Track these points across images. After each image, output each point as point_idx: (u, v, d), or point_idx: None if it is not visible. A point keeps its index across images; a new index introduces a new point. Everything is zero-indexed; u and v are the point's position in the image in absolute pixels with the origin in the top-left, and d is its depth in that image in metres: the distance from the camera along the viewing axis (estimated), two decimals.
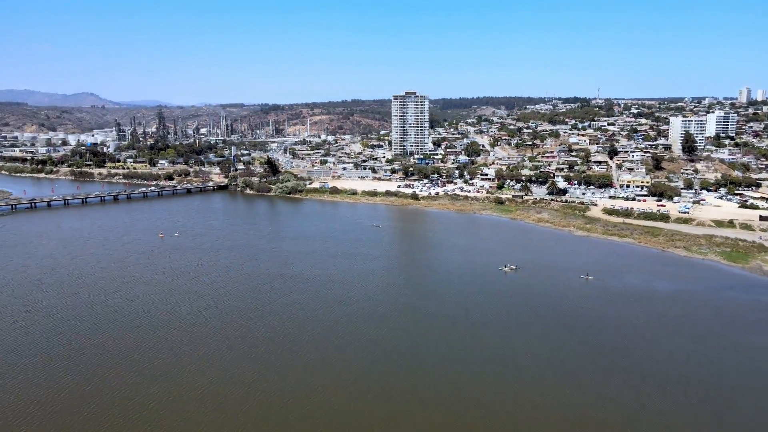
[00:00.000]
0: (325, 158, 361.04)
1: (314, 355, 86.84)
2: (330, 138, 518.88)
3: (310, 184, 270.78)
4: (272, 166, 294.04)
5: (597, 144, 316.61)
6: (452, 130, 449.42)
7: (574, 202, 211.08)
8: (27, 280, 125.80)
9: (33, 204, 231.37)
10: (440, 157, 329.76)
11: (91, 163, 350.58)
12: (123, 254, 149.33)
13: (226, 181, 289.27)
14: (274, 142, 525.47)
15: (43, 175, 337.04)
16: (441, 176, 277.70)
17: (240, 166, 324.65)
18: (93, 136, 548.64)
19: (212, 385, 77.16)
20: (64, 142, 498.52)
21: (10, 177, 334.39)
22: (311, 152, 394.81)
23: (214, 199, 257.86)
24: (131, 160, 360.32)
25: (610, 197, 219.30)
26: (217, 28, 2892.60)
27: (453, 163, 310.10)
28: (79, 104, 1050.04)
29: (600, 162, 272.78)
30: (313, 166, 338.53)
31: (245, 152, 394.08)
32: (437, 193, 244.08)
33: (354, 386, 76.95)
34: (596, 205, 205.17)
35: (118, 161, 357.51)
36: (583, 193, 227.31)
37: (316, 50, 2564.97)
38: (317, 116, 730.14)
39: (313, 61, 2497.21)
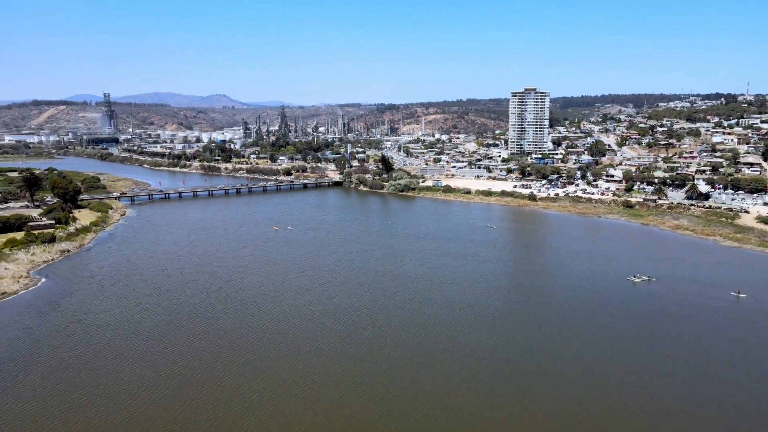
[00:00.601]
0: (439, 157, 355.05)
1: (420, 359, 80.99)
2: (444, 137, 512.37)
3: (423, 182, 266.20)
4: (386, 164, 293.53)
5: (747, 144, 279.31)
6: (574, 128, 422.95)
7: (719, 208, 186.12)
8: (154, 264, 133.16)
9: (166, 195, 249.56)
10: (560, 156, 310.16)
11: (219, 158, 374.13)
12: (239, 244, 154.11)
13: (340, 177, 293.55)
14: (388, 140, 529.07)
15: (177, 168, 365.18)
16: (561, 177, 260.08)
17: (355, 163, 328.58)
18: (223, 134, 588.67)
19: (314, 384, 74.09)
20: (198, 140, 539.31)
21: (151, 170, 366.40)
22: (425, 151, 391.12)
23: (329, 195, 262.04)
24: (254, 156, 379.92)
25: (765, 204, 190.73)
26: (338, 33, 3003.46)
27: (574, 163, 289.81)
28: (213, 105, 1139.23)
29: (752, 164, 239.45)
30: (427, 164, 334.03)
31: (360, 150, 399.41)
32: (557, 195, 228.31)
33: (460, 396, 70.01)
34: (748, 212, 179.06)
35: (243, 157, 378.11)
36: (732, 199, 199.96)
37: (432, 50, 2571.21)
38: (432, 115, 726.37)
39: (429, 60, 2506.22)
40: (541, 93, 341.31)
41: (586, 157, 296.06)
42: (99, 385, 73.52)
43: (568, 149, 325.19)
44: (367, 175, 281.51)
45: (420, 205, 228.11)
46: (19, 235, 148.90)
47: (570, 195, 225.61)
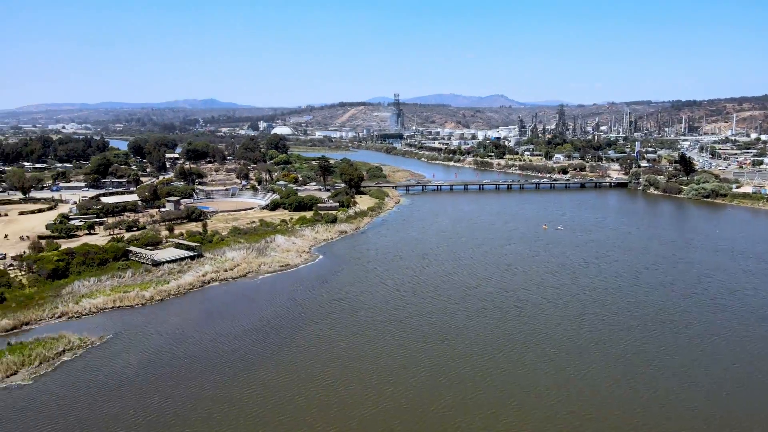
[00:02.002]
0: (760, 159, 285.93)
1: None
2: (764, 136, 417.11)
3: (737, 187, 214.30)
4: (685, 165, 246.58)
5: None
6: None
7: None
8: (417, 252, 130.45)
9: (438, 187, 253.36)
10: None
11: (492, 154, 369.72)
12: (503, 240, 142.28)
13: (625, 178, 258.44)
14: (686, 140, 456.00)
15: (451, 163, 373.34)
16: None
17: (644, 163, 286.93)
18: (498, 131, 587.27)
19: (578, 418, 57.20)
20: (473, 137, 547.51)
21: (427, 163, 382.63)
22: (737, 152, 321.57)
23: (609, 196, 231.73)
24: (528, 153, 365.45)
25: None
26: (620, 28, 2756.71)
27: None
28: (491, 105, 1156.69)
29: None
30: (741, 167, 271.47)
31: (650, 150, 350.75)
32: None
33: None
34: None
35: (516, 154, 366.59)
36: None
37: (749, 38, 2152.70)
38: (746, 112, 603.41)
39: (743, 50, 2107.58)
40: None
41: None
42: (342, 370, 69.64)
43: None
44: (659, 177, 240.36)
45: (732, 216, 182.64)
46: (308, 214, 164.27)
47: None
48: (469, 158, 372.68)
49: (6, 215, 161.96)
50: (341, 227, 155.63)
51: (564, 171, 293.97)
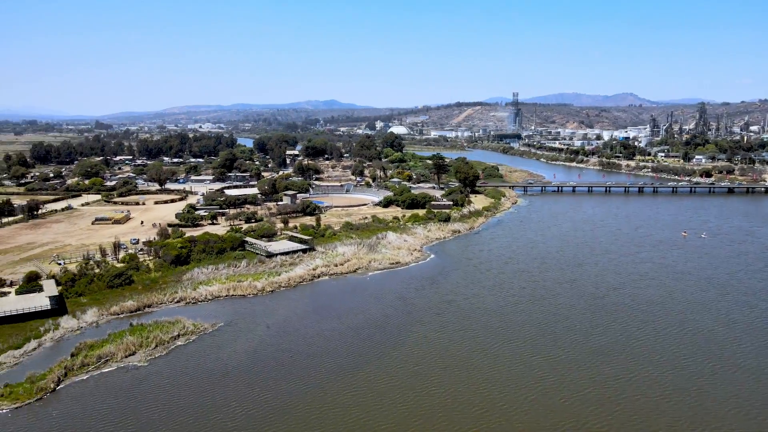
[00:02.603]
0: None
1: None
2: None
3: None
4: None
5: None
6: None
7: None
8: (534, 256, 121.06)
9: (559, 188, 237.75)
10: None
11: (620, 155, 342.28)
12: (635, 248, 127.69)
13: None
14: None
15: (573, 164, 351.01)
16: None
17: None
18: (626, 132, 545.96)
19: None
20: (598, 137, 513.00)
21: (547, 164, 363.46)
22: None
23: (764, 203, 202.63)
24: (662, 154, 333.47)
25: None
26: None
27: None
28: (618, 104, 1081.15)
29: None
30: None
31: None
32: None
33: None
34: None
35: (648, 155, 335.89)
36: None
37: None
38: None
39: None
40: None
41: None
42: (450, 377, 63.98)
43: None
44: None
45: None
46: (421, 212, 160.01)
47: None
48: (594, 159, 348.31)
49: (144, 204, 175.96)
50: (454, 226, 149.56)
51: (707, 174, 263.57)
